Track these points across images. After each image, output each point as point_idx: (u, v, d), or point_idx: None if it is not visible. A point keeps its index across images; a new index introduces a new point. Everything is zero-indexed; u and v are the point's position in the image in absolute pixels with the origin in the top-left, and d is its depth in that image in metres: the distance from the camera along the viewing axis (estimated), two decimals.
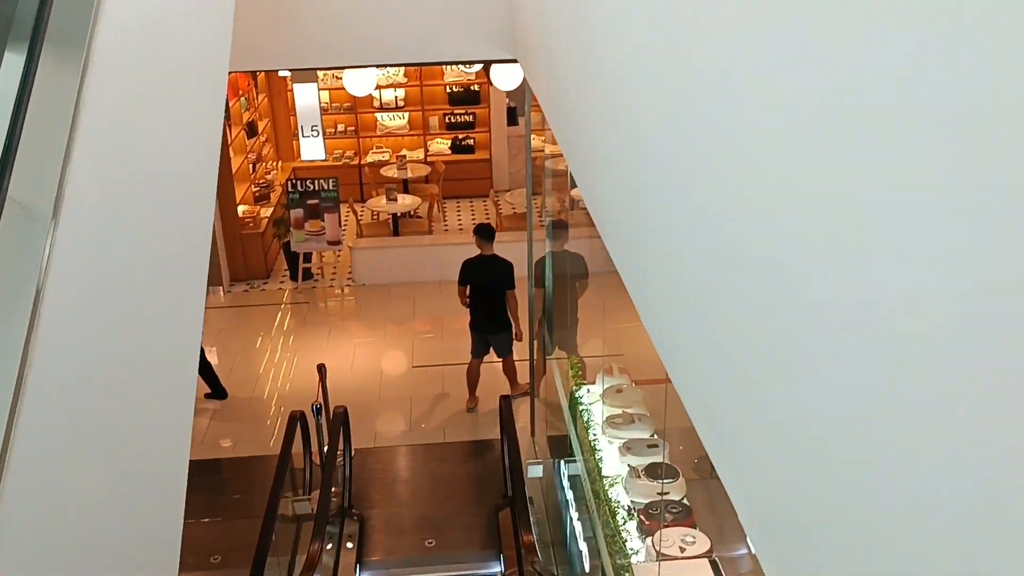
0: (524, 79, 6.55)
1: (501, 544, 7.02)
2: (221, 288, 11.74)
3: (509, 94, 14.90)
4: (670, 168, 2.25)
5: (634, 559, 5.19)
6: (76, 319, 2.32)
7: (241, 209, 12.03)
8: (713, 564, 4.89)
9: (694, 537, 5.20)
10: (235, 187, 11.80)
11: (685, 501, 5.66)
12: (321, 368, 7.91)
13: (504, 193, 13.44)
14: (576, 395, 6.90)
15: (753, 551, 6.74)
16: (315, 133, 6.86)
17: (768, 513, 1.76)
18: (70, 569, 2.10)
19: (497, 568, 6.90)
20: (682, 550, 5.13)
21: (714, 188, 1.90)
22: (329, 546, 6.80)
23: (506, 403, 7.25)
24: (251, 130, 12.93)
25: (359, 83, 11.26)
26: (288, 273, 12.14)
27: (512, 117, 15.12)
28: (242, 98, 12.52)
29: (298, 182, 11.48)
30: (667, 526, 5.39)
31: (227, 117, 11.34)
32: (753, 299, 1.67)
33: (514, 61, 6.98)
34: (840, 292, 1.31)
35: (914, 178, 1.09)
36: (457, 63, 6.87)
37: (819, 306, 1.39)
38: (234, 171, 11.75)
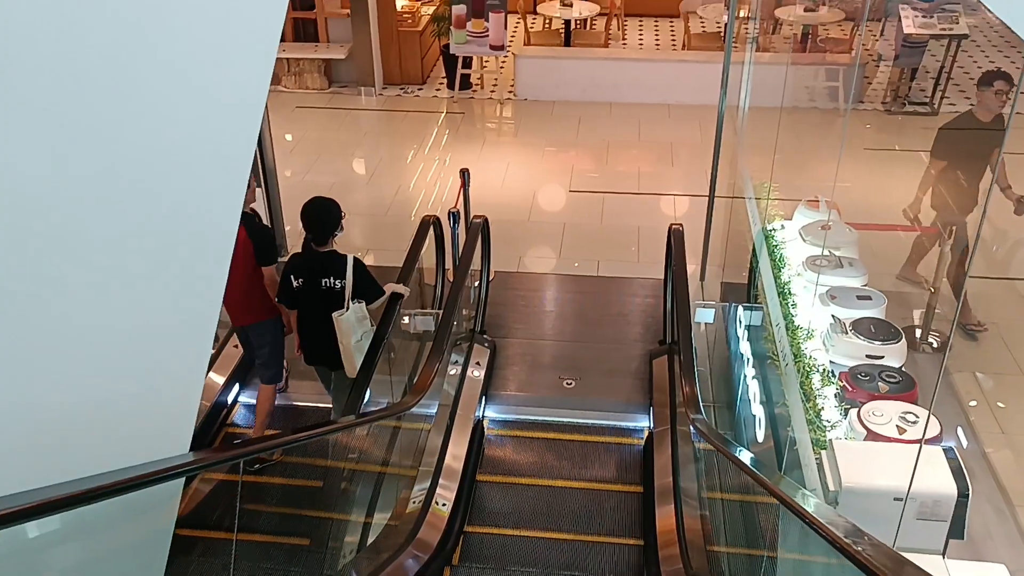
0: None
1: (653, 397, 5.89)
2: (374, 90, 10.75)
3: None
4: None
5: (831, 434, 3.93)
6: None
7: (400, 3, 10.85)
8: (949, 454, 3.55)
9: (916, 416, 3.87)
10: None
11: (905, 370, 4.30)
12: (464, 173, 6.81)
13: (694, 10, 11.63)
14: (769, 229, 5.52)
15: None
16: None
17: None
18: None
19: (645, 423, 5.79)
20: (901, 431, 3.81)
21: None
22: (452, 371, 5.87)
23: (676, 233, 5.94)
24: None
25: None
26: (446, 80, 11.00)
27: None
28: None
29: None
30: (880, 397, 4.07)
31: None
32: None
33: None
34: None
35: None
36: None
37: None
38: None
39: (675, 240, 5.91)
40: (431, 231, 6.11)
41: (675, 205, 8.47)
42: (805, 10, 10.35)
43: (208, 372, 5.99)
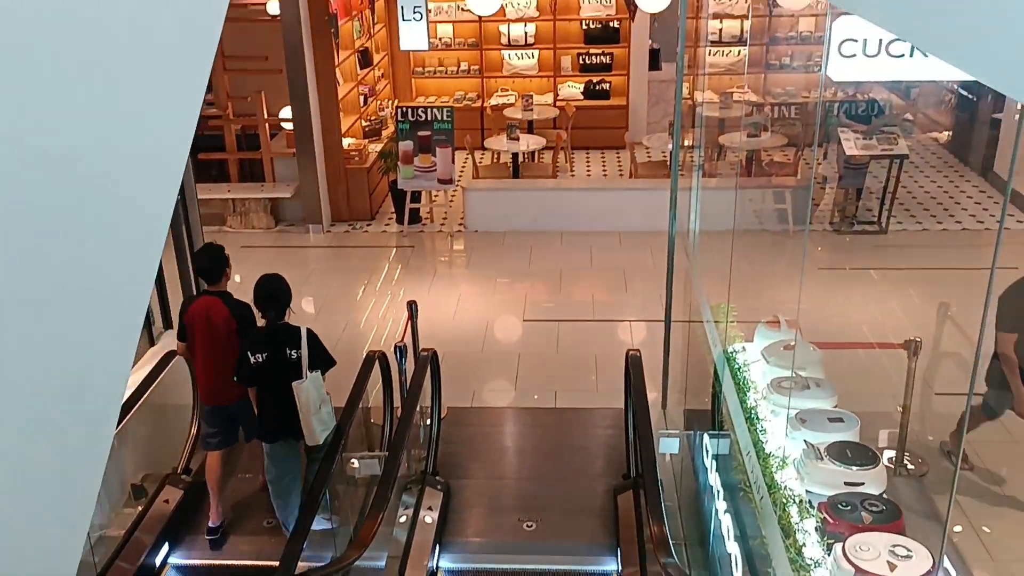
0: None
1: (619, 535, 5.47)
2: (322, 227, 10.58)
3: (654, 32, 13.26)
4: None
5: (815, 573, 3.56)
6: None
7: (347, 142, 10.84)
8: None
9: (908, 549, 3.53)
10: (341, 116, 10.61)
11: (887, 497, 3.99)
12: (411, 305, 6.54)
13: (639, 140, 11.79)
14: (730, 351, 5.28)
15: None
16: (418, 16, 5.54)
17: None
18: None
19: (613, 566, 5.36)
20: (892, 568, 3.46)
21: None
22: (402, 518, 5.43)
23: (634, 360, 5.68)
24: (364, 59, 11.74)
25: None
26: (395, 215, 10.89)
27: (655, 60, 13.46)
28: (355, 21, 11.32)
29: (408, 110, 10.18)
30: (864, 529, 3.74)
31: (336, 36, 10.15)
32: None
33: None
34: None
35: None
36: None
37: None
38: (340, 98, 10.55)
39: (633, 367, 5.64)
40: (376, 367, 5.78)
41: (632, 331, 8.26)
42: (748, 136, 10.51)
43: (135, 531, 5.49)
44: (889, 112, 10.44)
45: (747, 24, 13.26)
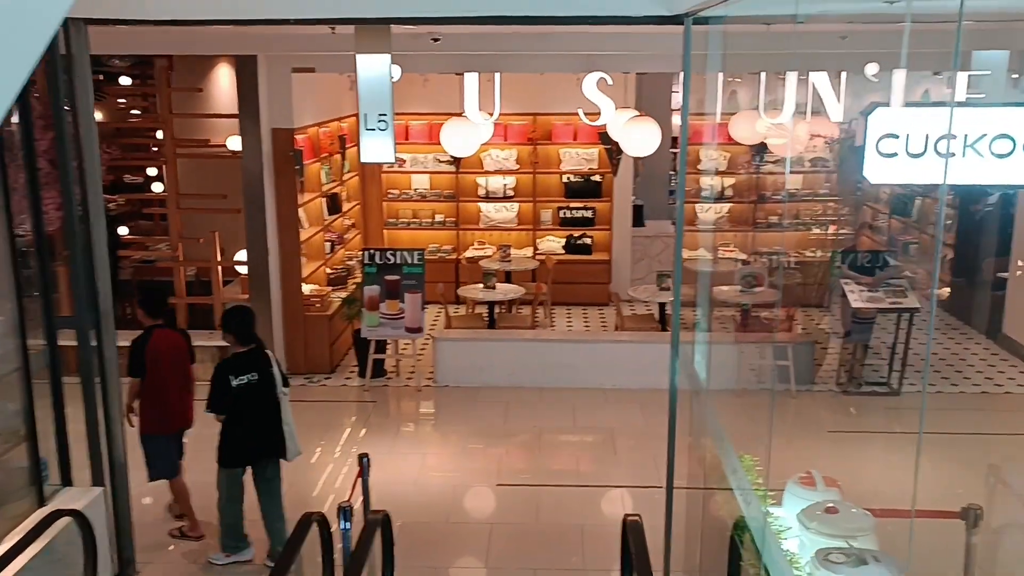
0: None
1: None
2: None
3: (637, 188, 12.81)
4: None
5: None
6: None
7: (308, 289, 9.96)
8: None
9: None
10: (302, 261, 9.78)
11: None
12: (363, 459, 5.45)
13: (624, 292, 11.01)
14: (770, 515, 4.19)
15: None
16: (383, 125, 4.87)
17: None
18: None
19: None
20: None
21: None
22: None
23: (634, 527, 4.57)
24: (333, 204, 11.06)
25: (461, 139, 9.27)
26: (357, 367, 9.86)
27: (639, 216, 12.93)
28: (324, 165, 10.71)
29: (376, 252, 9.38)
30: None
31: (300, 175, 9.47)
32: None
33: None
34: None
35: None
36: (603, 21, 4.65)
37: None
38: (303, 240, 9.76)
39: (634, 537, 4.52)
40: (315, 533, 4.62)
41: (623, 498, 7.12)
42: (740, 291, 9.76)
43: None
44: (894, 264, 9.77)
45: (729, 180, 12.88)
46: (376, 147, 5.37)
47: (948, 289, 11.66)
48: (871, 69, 8.91)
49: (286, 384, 5.85)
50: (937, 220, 9.69)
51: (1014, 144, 3.63)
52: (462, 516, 6.94)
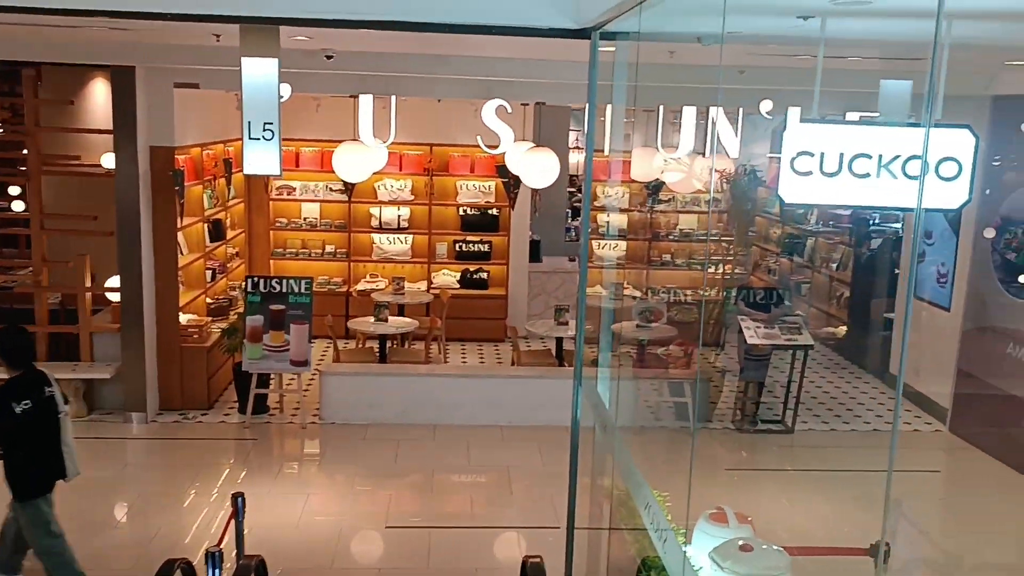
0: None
1: None
2: (146, 416, 8.80)
3: (534, 223, 12.64)
4: None
5: None
6: None
7: (185, 318, 9.32)
8: None
9: None
10: (180, 288, 9.16)
11: None
12: (237, 499, 4.93)
13: (520, 327, 10.74)
14: (683, 554, 3.90)
15: None
16: (268, 134, 4.48)
17: None
18: None
19: None
20: None
21: None
22: None
23: (535, 569, 4.22)
24: (216, 231, 10.46)
25: (354, 163, 8.89)
26: (238, 403, 9.25)
27: (536, 252, 12.74)
28: (207, 189, 10.12)
29: (260, 280, 8.85)
30: None
31: (180, 197, 8.88)
32: None
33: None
34: None
35: None
36: (508, 32, 4.39)
37: None
38: (181, 266, 9.15)
39: None
40: None
41: (519, 540, 6.76)
42: (638, 326, 9.62)
43: None
44: (789, 301, 9.82)
45: (625, 218, 12.87)
46: (260, 158, 4.94)
47: (844, 327, 11.85)
48: (766, 106, 9.00)
49: (66, 402, 5.57)
50: (913, 245, 9.71)
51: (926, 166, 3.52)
52: (347, 561, 6.44)
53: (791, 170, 3.56)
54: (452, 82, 8.58)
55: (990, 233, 8.87)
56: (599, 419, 5.38)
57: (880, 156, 3.57)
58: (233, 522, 4.93)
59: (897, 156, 3.57)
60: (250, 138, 4.85)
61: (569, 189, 16.53)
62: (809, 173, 3.61)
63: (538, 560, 4.31)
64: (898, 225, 11.36)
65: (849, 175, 3.59)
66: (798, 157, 3.62)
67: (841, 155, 3.60)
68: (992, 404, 8.87)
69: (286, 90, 7.28)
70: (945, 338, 9.43)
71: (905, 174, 3.52)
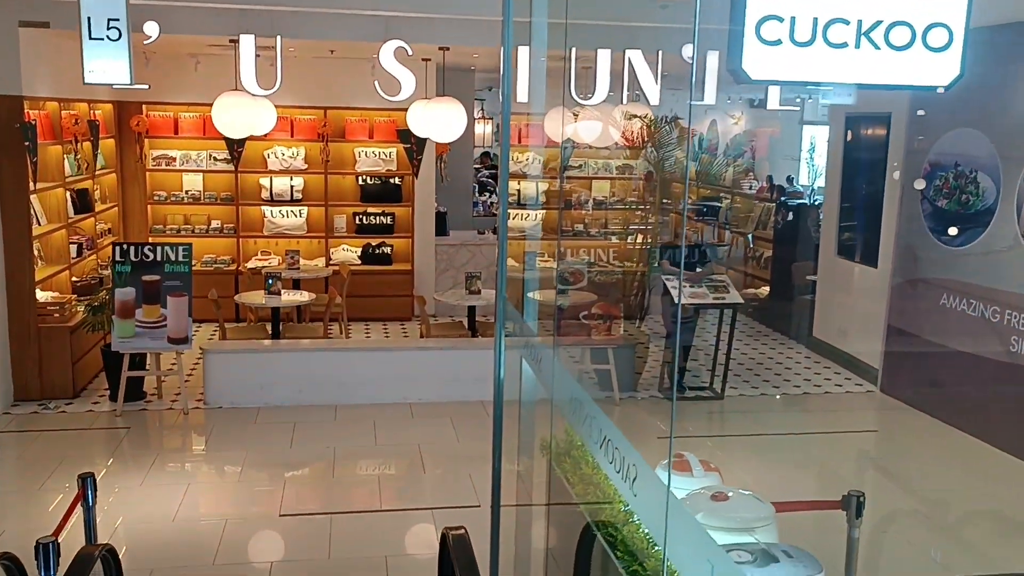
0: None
1: None
2: None
3: (440, 194, 11.81)
4: None
5: None
6: None
7: (44, 296, 8.16)
8: None
9: None
10: (37, 261, 8.00)
11: None
12: (85, 481, 3.96)
13: (427, 296, 9.89)
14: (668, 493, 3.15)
15: None
16: (115, 33, 3.63)
17: None
18: None
19: None
20: None
21: None
22: None
23: (458, 541, 3.42)
24: (82, 201, 9.29)
25: (237, 117, 7.92)
26: (108, 389, 8.14)
27: (442, 225, 11.91)
28: (69, 153, 8.95)
29: (130, 248, 7.78)
30: None
31: (32, 155, 7.73)
32: None
33: None
34: None
35: None
36: None
37: None
38: (36, 236, 7.99)
39: (458, 552, 3.36)
40: None
41: (435, 521, 5.92)
42: (559, 290, 8.90)
43: None
44: (713, 259, 9.27)
45: (543, 186, 12.17)
46: (105, 64, 4.00)
47: (767, 288, 11.39)
48: (688, 51, 8.39)
49: None
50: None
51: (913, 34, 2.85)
52: (233, 557, 5.49)
53: (757, 38, 2.79)
54: (345, 19, 7.68)
55: (920, 184, 8.48)
56: (527, 389, 4.61)
57: (860, 22, 2.86)
58: (81, 509, 3.96)
59: (879, 22, 2.85)
60: (90, 38, 3.89)
61: (476, 166, 15.77)
62: (778, 42, 2.84)
63: (462, 531, 3.50)
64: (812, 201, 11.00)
65: (824, 45, 2.85)
66: (765, 22, 2.84)
67: (815, 20, 2.85)
68: (926, 360, 8.47)
69: (153, 29, 6.27)
70: (874, 296, 9.02)
71: (889, 44, 2.82)
